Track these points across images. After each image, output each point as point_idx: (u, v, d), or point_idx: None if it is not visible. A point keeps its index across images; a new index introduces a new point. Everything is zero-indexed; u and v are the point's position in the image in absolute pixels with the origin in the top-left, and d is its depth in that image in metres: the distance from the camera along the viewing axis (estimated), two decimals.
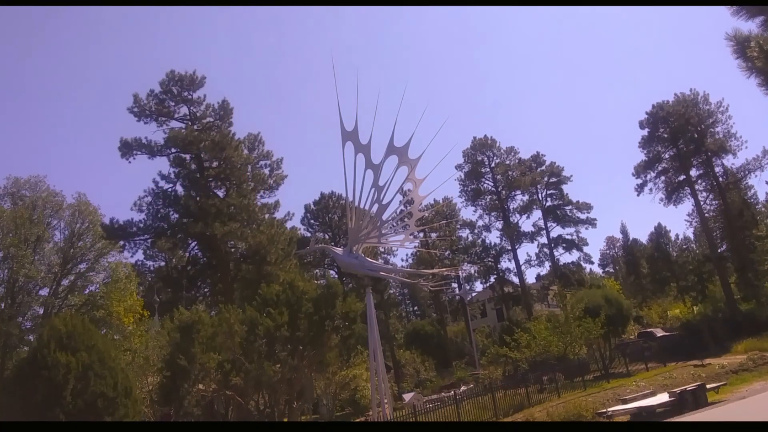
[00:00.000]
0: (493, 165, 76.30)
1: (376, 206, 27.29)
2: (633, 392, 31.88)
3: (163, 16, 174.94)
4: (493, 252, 77.06)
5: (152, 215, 48.99)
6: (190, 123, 50.44)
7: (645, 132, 68.03)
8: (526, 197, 76.01)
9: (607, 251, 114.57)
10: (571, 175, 76.77)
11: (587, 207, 75.38)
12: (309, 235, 66.85)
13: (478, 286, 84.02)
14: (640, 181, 68.30)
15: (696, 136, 65.86)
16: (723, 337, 48.29)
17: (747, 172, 65.59)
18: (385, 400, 29.22)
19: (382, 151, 26.62)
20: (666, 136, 67.14)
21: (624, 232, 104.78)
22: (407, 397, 43.45)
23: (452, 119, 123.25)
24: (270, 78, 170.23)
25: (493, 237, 78.45)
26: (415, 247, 56.56)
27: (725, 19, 10.39)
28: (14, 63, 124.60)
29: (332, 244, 58.04)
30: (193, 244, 50.20)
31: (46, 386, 20.22)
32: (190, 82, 50.32)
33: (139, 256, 49.90)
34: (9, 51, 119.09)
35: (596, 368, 42.90)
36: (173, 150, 49.42)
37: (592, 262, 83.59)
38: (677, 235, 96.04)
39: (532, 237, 75.58)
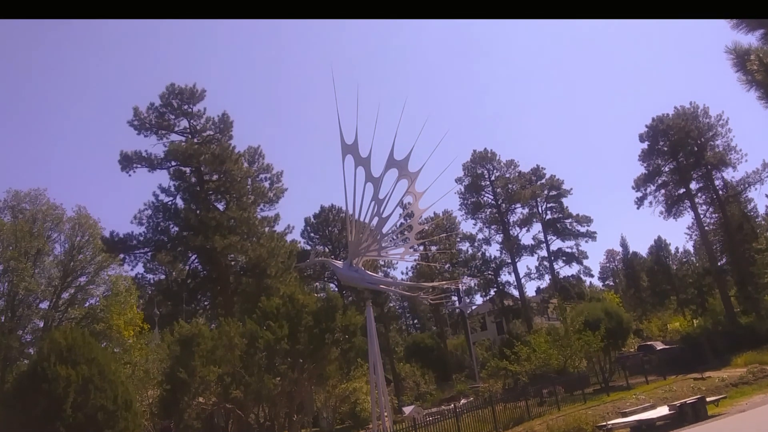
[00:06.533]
0: (492, 178, 76.42)
1: (376, 219, 27.33)
2: (633, 405, 31.86)
3: (163, 30, 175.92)
4: (493, 265, 77.03)
5: (152, 228, 49.06)
6: (190, 136, 50.55)
7: (645, 145, 68.35)
8: (526, 210, 76.26)
9: (607, 264, 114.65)
10: (571, 188, 77.03)
11: (587, 220, 75.48)
12: (309, 248, 67.01)
13: (478, 299, 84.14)
14: (640, 194, 68.63)
15: (696, 149, 66.10)
16: (723, 351, 48.28)
17: (747, 186, 65.89)
18: (385, 414, 29.17)
19: (382, 164, 26.66)
20: (666, 149, 67.37)
21: (624, 245, 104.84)
22: (407, 410, 43.38)
23: (452, 132, 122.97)
24: (270, 91, 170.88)
25: (493, 250, 78.60)
26: (415, 260, 56.51)
27: (725, 32, 10.46)
28: (14, 76, 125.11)
29: (332, 257, 58.07)
30: (193, 258, 50.22)
31: (46, 399, 20.24)
32: (190, 95, 50.48)
33: (139, 269, 50.05)
34: (9, 64, 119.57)
35: (596, 381, 42.88)
36: (173, 163, 49.55)
37: (592, 275, 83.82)
38: (677, 248, 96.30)
39: (532, 250, 75.70)
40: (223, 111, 52.11)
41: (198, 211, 47.90)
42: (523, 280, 74.96)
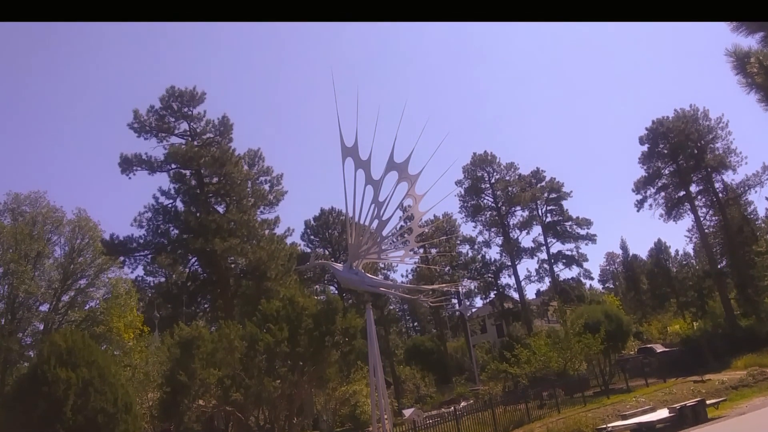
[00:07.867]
0: (493, 181, 76.36)
1: (376, 222, 27.32)
2: (633, 408, 31.88)
3: (163, 32, 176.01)
4: (493, 268, 76.97)
5: (152, 231, 49.03)
6: (190, 139, 50.53)
7: (645, 148, 68.28)
8: (526, 213, 76.06)
9: (607, 267, 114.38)
10: (571, 191, 76.86)
11: (587, 223, 75.34)
12: (309, 250, 66.87)
13: (478, 302, 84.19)
14: (640, 196, 68.58)
15: (696, 151, 66.06)
16: (723, 353, 48.24)
17: (747, 188, 65.89)
18: (385, 416, 29.13)
19: (382, 166, 26.58)
20: (666, 151, 67.34)
21: (624, 247, 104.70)
22: (407, 412, 43.35)
23: (452, 135, 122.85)
24: (270, 94, 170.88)
25: (493, 253, 78.76)
26: (415, 262, 56.74)
27: (725, 34, 10.46)
28: (14, 78, 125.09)
29: (332, 259, 58.02)
30: (193, 260, 50.22)
31: (46, 402, 20.22)
32: (191, 97, 50.49)
33: (139, 271, 49.97)
34: (10, 66, 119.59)
35: (596, 384, 42.89)
36: (173, 166, 49.52)
37: (592, 278, 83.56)
38: (677, 251, 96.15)
39: (532, 253, 75.54)
40: (223, 114, 52.22)
41: (198, 214, 47.87)
42: (523, 283, 74.97)
